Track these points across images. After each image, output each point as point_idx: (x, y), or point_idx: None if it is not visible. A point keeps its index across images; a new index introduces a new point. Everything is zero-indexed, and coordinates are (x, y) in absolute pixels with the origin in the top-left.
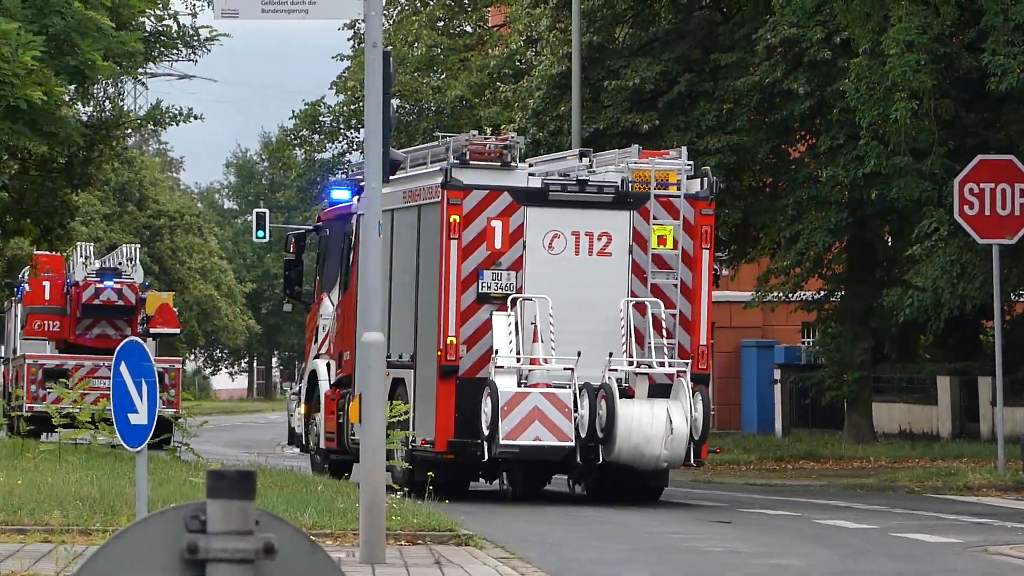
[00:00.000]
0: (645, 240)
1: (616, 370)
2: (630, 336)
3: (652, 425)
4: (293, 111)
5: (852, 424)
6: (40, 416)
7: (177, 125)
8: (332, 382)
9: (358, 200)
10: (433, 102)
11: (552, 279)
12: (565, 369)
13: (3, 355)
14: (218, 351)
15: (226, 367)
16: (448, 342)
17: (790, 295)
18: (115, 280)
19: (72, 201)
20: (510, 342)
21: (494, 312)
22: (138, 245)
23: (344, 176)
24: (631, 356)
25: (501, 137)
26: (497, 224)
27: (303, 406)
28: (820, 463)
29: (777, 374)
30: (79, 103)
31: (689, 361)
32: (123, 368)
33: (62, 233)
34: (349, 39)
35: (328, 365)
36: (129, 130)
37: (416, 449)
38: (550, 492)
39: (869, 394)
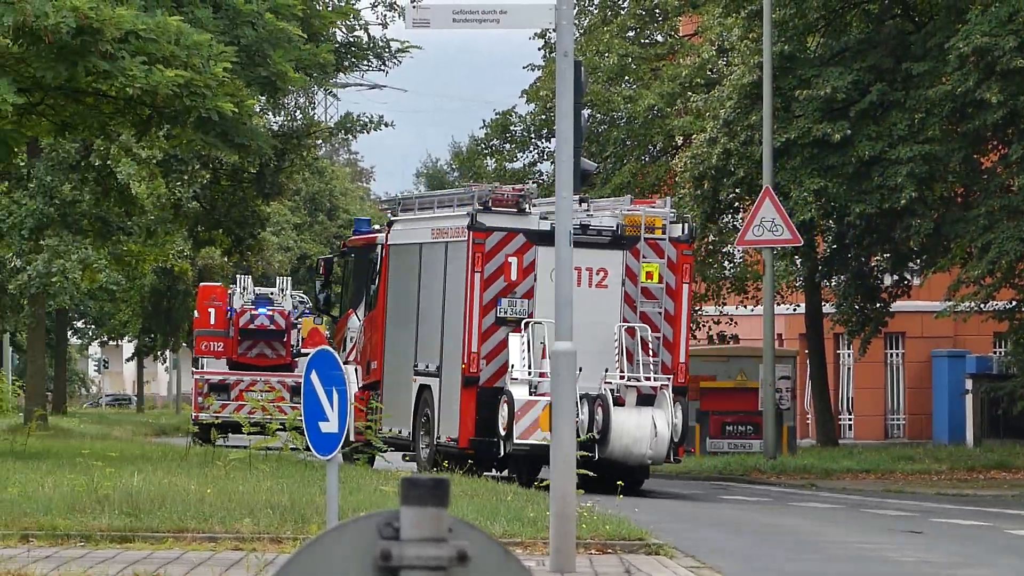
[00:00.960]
0: (636, 275)
1: (610, 383)
2: (622, 355)
3: (639, 428)
4: (484, 121)
5: None
6: (205, 424)
7: (368, 133)
8: (360, 385)
9: (386, 232)
10: (624, 112)
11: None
12: None
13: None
14: None
15: None
16: (472, 357)
17: (982, 305)
18: (268, 308)
19: (263, 211)
20: (523, 358)
21: (510, 333)
22: (289, 278)
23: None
24: (623, 371)
25: (517, 188)
26: (513, 260)
27: None
28: (1012, 473)
29: (969, 384)
30: (270, 113)
31: (671, 376)
32: (314, 377)
33: (252, 243)
34: (540, 48)
35: (356, 370)
36: (319, 140)
37: (441, 445)
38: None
39: None
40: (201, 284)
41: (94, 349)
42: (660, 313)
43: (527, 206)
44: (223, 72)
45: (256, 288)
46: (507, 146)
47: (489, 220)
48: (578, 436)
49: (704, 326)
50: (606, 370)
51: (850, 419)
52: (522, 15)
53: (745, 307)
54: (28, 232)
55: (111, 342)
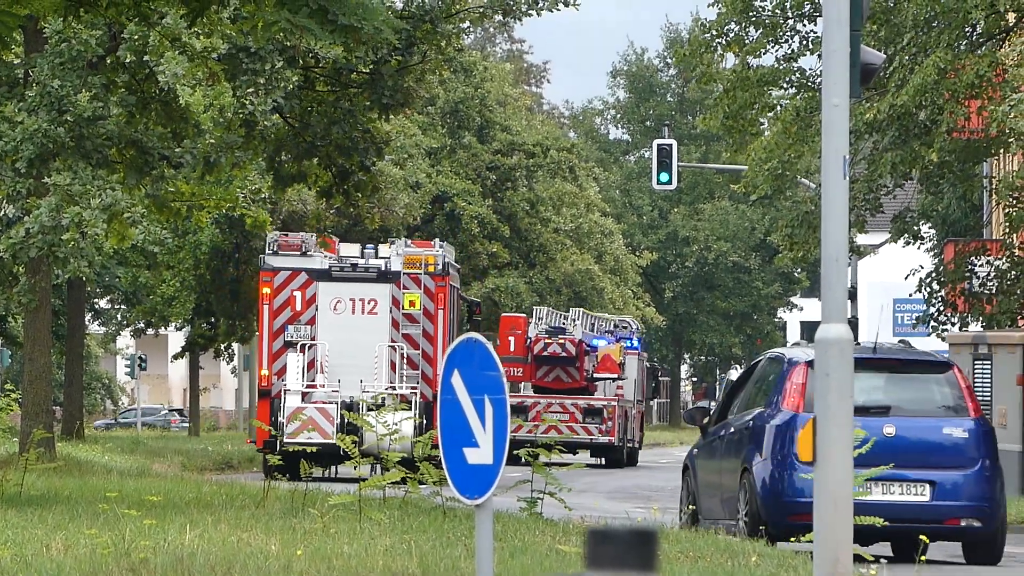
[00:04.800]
0: (400, 303)
1: (368, 391)
2: (383, 368)
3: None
4: None
5: None
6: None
7: (539, 15)
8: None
9: None
10: None
11: (336, 330)
12: (333, 391)
13: None
14: None
15: None
16: (262, 374)
17: None
18: (561, 336)
19: (379, 130)
20: (297, 371)
21: (289, 352)
22: (582, 310)
23: None
24: (390, 381)
25: (298, 235)
26: (298, 294)
27: None
28: None
29: None
30: None
31: (418, 384)
32: (456, 381)
33: (364, 179)
34: None
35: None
36: (467, 23)
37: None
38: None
39: None
40: (503, 315)
41: (125, 341)
42: (420, 334)
43: (309, 249)
44: None
45: (549, 317)
46: (751, 32)
47: (277, 261)
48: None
49: None
50: (361, 380)
51: None
52: None
53: None
54: (26, 165)
55: (151, 330)
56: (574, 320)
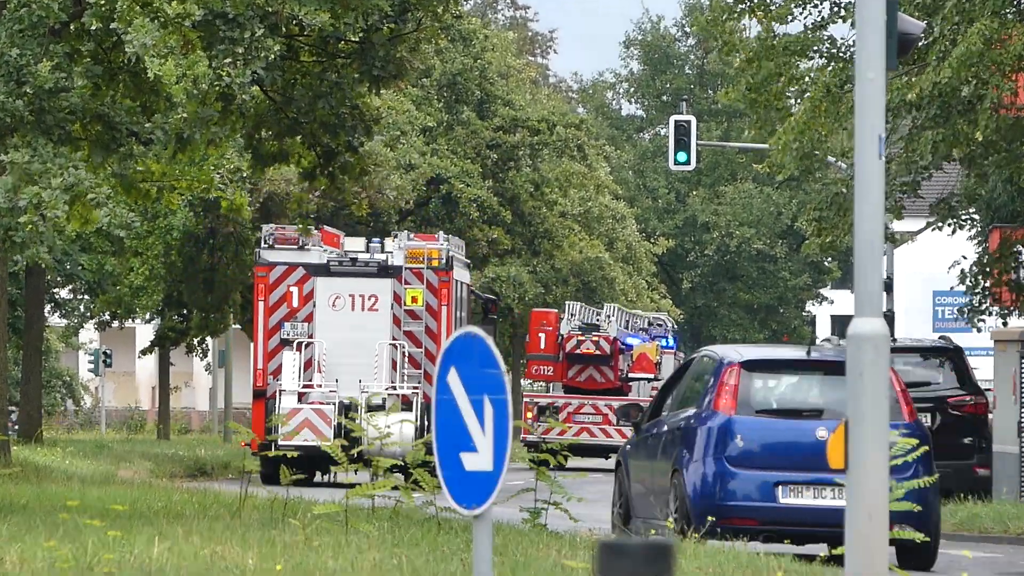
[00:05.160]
0: (401, 299)
1: (367, 392)
2: (383, 367)
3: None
4: None
5: None
6: (532, 444)
7: None
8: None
9: None
10: None
11: (335, 328)
12: (331, 391)
13: None
14: None
15: None
16: (258, 373)
17: None
18: (594, 334)
19: (369, 105)
20: (293, 371)
21: (284, 350)
22: (616, 305)
23: None
24: (391, 381)
25: (294, 228)
26: (295, 289)
27: None
28: None
29: None
30: None
31: (420, 383)
32: (453, 378)
33: (351, 160)
34: None
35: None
36: None
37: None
38: None
39: None
40: (534, 310)
41: (89, 335)
42: (422, 331)
43: (308, 243)
44: None
45: (582, 313)
46: None
47: (272, 256)
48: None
49: None
50: (360, 380)
51: None
52: None
53: None
54: None
55: (116, 323)
56: (608, 316)
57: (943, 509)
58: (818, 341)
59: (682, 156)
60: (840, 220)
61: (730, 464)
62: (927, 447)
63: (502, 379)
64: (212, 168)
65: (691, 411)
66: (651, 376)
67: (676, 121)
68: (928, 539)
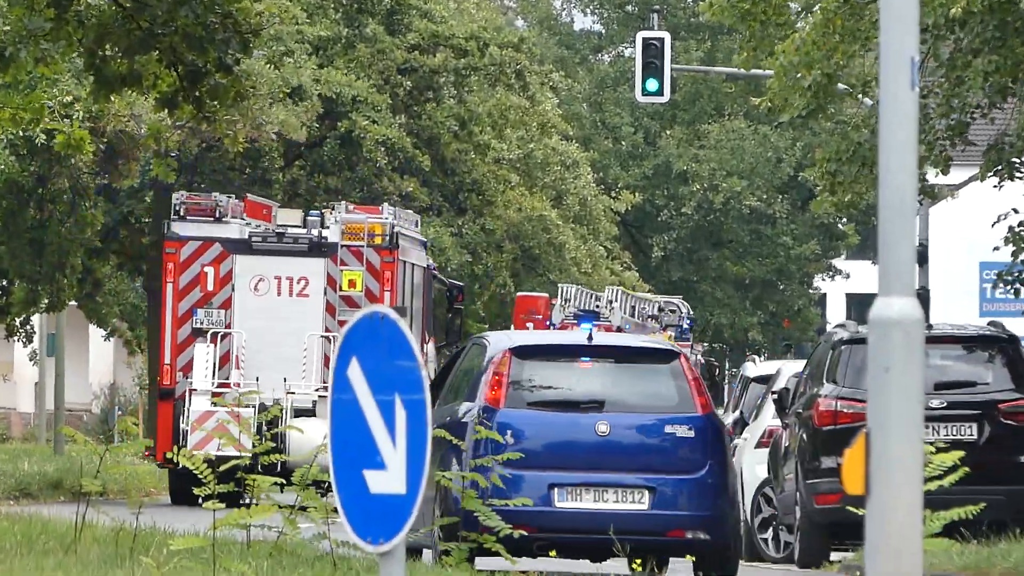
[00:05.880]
0: (336, 283)
1: (294, 392)
2: (313, 363)
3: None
4: None
5: None
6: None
7: None
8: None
9: None
10: None
11: (257, 316)
12: (251, 392)
13: None
14: None
15: None
16: (165, 369)
17: None
18: (593, 323)
19: (247, 10)
20: (206, 368)
21: (196, 342)
22: (620, 288)
23: None
24: (323, 380)
25: (210, 195)
26: (210, 270)
27: None
28: None
29: None
30: None
31: None
32: (355, 372)
33: (224, 84)
34: None
35: None
36: None
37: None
38: None
39: None
40: (519, 294)
41: None
42: None
43: (227, 214)
44: None
45: (578, 298)
46: None
47: (183, 229)
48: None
49: None
50: (285, 379)
51: None
52: None
53: None
54: None
55: None
56: (610, 302)
57: (995, 548)
58: (829, 327)
59: (652, 84)
60: (862, 172)
61: (499, 464)
62: (723, 441)
63: (419, 373)
64: (43, 95)
65: (456, 406)
66: None
67: (645, 39)
68: (722, 545)
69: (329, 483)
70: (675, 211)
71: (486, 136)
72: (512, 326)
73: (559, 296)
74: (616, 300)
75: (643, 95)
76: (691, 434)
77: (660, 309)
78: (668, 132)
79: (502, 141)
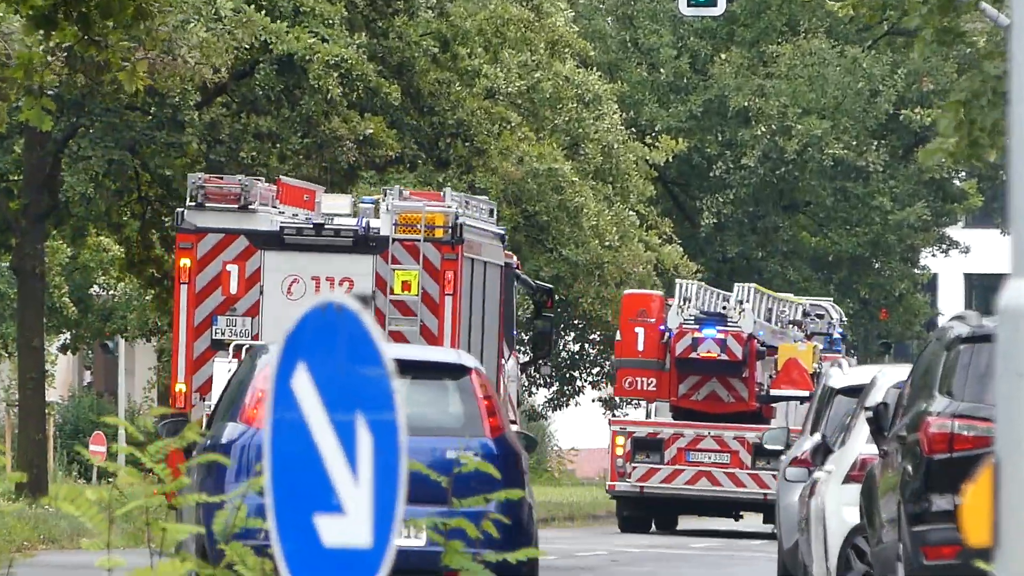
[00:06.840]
0: (387, 285)
1: None
2: None
3: None
4: None
5: None
6: (625, 496)
7: None
8: None
9: None
10: None
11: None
12: None
13: None
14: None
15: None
16: (177, 391)
17: None
18: (718, 328)
19: None
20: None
21: (216, 359)
22: (753, 286)
23: None
24: None
25: (235, 179)
26: (233, 268)
27: None
28: None
29: None
30: None
31: None
32: (301, 383)
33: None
34: None
35: None
36: None
37: None
38: None
39: None
40: (626, 292)
41: None
42: (417, 332)
43: (254, 201)
44: None
45: (701, 297)
46: None
47: (201, 219)
48: None
49: None
50: None
51: None
52: None
53: None
54: None
55: None
56: (740, 302)
57: None
58: (942, 320)
59: None
60: (991, 113)
61: (261, 495)
62: (518, 467)
63: (389, 386)
64: None
65: (222, 426)
66: (806, 394)
67: None
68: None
69: (266, 532)
70: (732, 163)
71: (476, 61)
72: (618, 333)
73: (676, 294)
74: (748, 300)
75: (689, 5)
76: (477, 461)
77: (805, 313)
78: (723, 56)
79: (498, 68)
